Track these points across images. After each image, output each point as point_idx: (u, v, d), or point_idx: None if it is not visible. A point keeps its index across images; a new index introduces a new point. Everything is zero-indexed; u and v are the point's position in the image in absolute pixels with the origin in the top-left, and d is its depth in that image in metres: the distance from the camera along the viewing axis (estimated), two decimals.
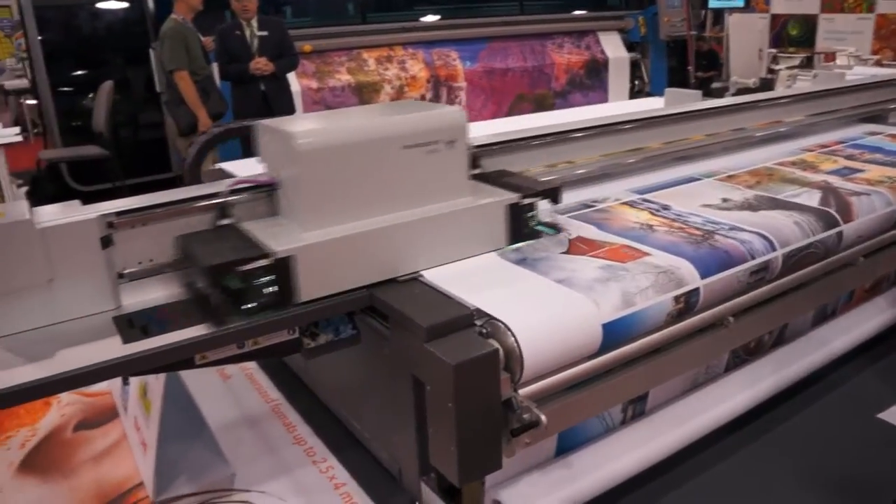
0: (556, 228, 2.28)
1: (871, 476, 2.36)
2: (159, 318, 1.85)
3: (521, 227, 2.18)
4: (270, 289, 1.78)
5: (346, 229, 1.88)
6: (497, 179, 2.32)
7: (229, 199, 2.01)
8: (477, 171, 2.38)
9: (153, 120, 6.10)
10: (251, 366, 2.96)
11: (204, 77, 5.08)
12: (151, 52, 5.90)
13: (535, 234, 2.22)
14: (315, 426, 2.56)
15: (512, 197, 2.15)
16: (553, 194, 2.26)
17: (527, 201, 2.18)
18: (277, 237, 1.85)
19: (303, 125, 1.95)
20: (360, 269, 1.91)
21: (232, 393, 2.81)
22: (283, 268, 1.78)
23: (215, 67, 5.23)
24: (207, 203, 2.01)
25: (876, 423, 2.63)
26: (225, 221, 2.01)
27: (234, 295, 1.76)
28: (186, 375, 2.76)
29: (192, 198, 2.02)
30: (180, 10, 4.99)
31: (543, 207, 2.25)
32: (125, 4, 6.23)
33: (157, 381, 2.19)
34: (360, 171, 1.91)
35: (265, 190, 2.05)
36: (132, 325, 1.79)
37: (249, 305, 1.76)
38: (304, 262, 1.81)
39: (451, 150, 2.04)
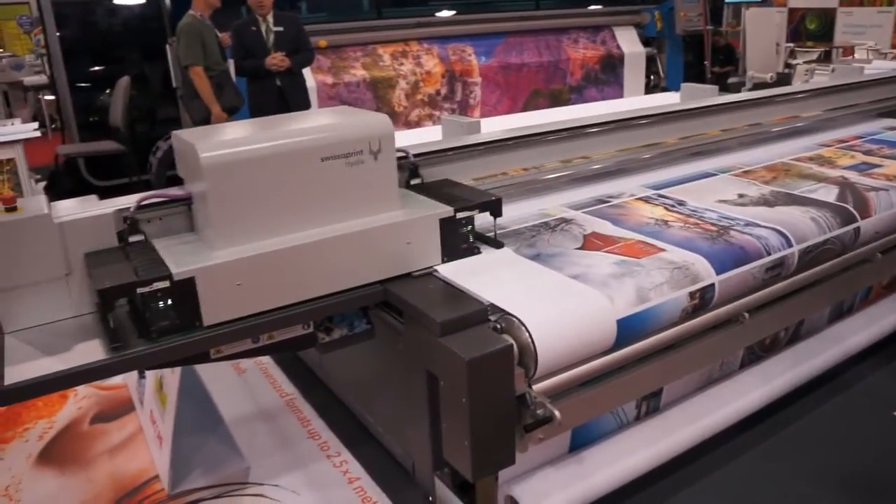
0: (497, 244, 2.16)
1: (886, 473, 2.34)
2: None
3: (457, 241, 2.03)
4: (171, 313, 1.65)
5: (258, 247, 1.75)
6: (436, 191, 2.18)
7: (137, 215, 1.87)
8: (416, 182, 2.27)
9: (170, 115, 6.10)
10: (266, 360, 2.98)
11: (219, 72, 5.10)
12: (168, 48, 5.93)
13: (473, 251, 2.08)
14: (329, 420, 2.57)
15: (446, 210, 2.01)
16: (493, 207, 2.11)
17: (462, 215, 2.03)
18: (182, 257, 1.73)
19: (210, 138, 1.82)
20: (275, 289, 1.78)
21: (247, 387, 2.83)
22: (183, 291, 1.65)
23: (232, 63, 5.26)
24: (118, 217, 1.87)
25: (892, 420, 2.61)
26: (134, 238, 1.86)
27: (134, 318, 1.71)
28: (202, 369, 2.79)
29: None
30: (198, 6, 5.02)
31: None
32: (142, 0, 6.26)
33: (172, 375, 2.21)
34: (274, 186, 1.78)
35: (182, 204, 1.92)
36: None
37: (151, 329, 1.65)
38: (206, 284, 1.67)
39: (377, 162, 1.91)
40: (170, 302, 1.65)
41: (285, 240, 1.79)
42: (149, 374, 2.45)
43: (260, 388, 2.82)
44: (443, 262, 2.00)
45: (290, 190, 1.81)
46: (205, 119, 4.98)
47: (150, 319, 1.65)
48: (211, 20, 5.19)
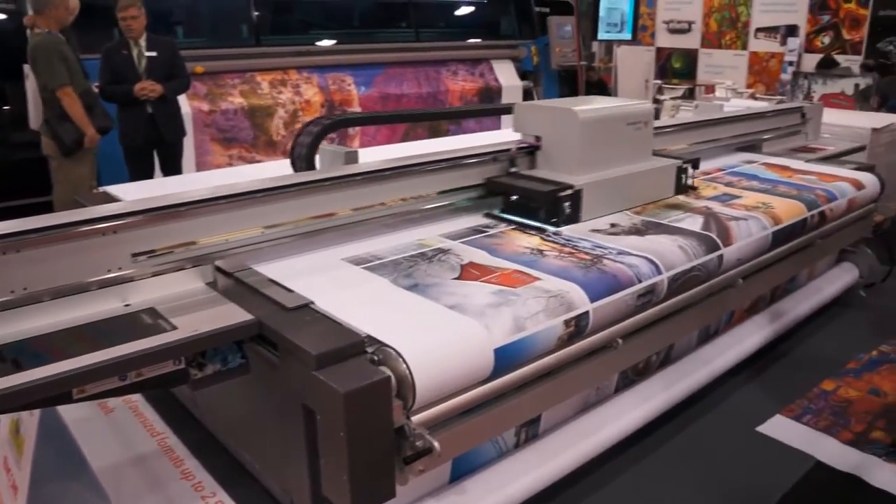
0: (693, 188, 3.24)
1: (752, 486, 2.46)
2: (34, 350, 1.75)
3: (680, 182, 3.18)
4: (568, 210, 2.72)
5: (600, 175, 2.87)
6: (656, 152, 3.28)
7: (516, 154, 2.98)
8: None
9: (29, 139, 5.76)
10: (136, 398, 2.83)
11: (84, 91, 4.80)
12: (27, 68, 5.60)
13: (686, 190, 3.20)
14: (204, 460, 2.47)
15: (678, 161, 3.16)
16: (695, 162, 3.26)
17: (685, 165, 3.17)
18: (562, 178, 2.79)
19: (575, 105, 2.94)
20: (605, 203, 2.87)
21: (115, 427, 2.68)
22: (577, 196, 2.73)
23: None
24: (503, 155, 2.95)
25: (755, 435, 2.75)
26: (513, 169, 2.94)
27: (548, 213, 2.69)
28: (64, 411, 2.63)
29: (97, 218, 2.01)
30: (45, 23, 4.67)
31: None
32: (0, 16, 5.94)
33: (31, 418, 2.06)
34: (607, 137, 2.93)
35: (531, 150, 3.00)
36: (2, 358, 1.69)
37: (559, 220, 2.67)
38: (586, 193, 2.74)
39: (646, 129, 3.10)
40: (569, 203, 2.71)
41: (611, 171, 2.92)
42: (3, 417, 2.29)
43: (129, 428, 2.68)
44: (674, 194, 3.15)
45: (613, 140, 2.96)
46: (76, 142, 4.69)
47: (559, 213, 2.68)
48: (75, 40, 4.90)
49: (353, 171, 2.55)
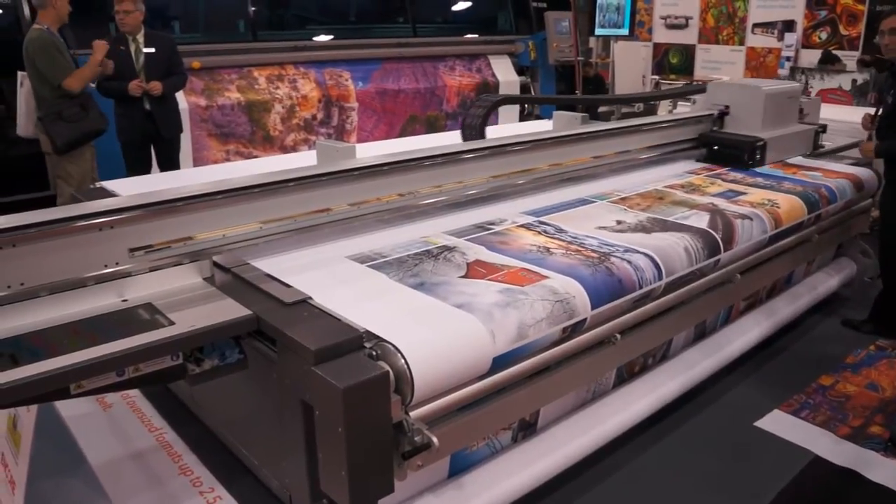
0: (822, 145, 4.28)
1: (750, 480, 2.46)
2: (31, 346, 1.74)
3: (816, 142, 4.20)
4: (758, 155, 3.77)
5: (772, 133, 3.87)
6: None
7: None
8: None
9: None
10: (133, 394, 2.83)
11: (80, 93, 4.74)
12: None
13: (819, 148, 4.23)
14: (202, 455, 2.46)
15: (815, 126, 4.20)
16: (824, 128, 4.28)
17: (819, 129, 4.21)
18: (752, 134, 3.83)
19: (758, 83, 4.12)
20: (777, 152, 3.86)
21: (113, 423, 2.68)
22: (764, 146, 3.78)
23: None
24: (707, 118, 3.99)
25: (753, 430, 2.75)
26: (715, 128, 4.00)
27: (748, 157, 3.75)
28: (62, 406, 2.62)
29: (94, 213, 1.99)
30: (46, 18, 4.61)
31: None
32: None
33: (28, 414, 2.06)
34: (776, 106, 3.94)
35: (721, 115, 3.99)
36: None
37: (752, 162, 3.76)
38: (768, 144, 3.80)
39: (795, 102, 4.15)
40: (759, 154, 3.79)
41: (779, 130, 3.95)
42: (0, 413, 2.28)
43: (127, 423, 2.68)
44: (812, 150, 4.22)
45: (778, 108, 3.97)
46: (70, 143, 4.63)
47: (754, 157, 3.75)
48: (71, 34, 4.84)
49: (350, 166, 2.55)
